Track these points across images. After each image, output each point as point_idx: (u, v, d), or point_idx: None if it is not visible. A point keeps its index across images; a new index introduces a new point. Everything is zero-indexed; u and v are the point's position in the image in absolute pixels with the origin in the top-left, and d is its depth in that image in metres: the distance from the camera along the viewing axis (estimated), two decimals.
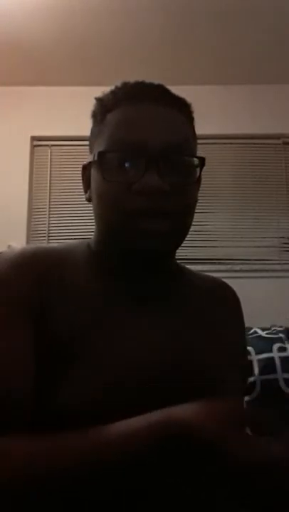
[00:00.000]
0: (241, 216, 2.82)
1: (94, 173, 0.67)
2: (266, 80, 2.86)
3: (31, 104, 2.90)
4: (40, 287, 0.61)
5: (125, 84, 0.67)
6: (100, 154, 0.63)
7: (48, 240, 2.82)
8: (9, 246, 2.24)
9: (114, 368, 0.58)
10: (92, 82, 2.85)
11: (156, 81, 0.68)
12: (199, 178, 0.66)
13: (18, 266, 0.63)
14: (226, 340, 0.70)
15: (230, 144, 2.85)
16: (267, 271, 2.72)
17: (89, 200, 0.71)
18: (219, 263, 2.72)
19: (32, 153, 2.92)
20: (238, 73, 2.81)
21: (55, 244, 0.73)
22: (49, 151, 2.93)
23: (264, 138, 2.90)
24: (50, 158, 2.92)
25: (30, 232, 2.83)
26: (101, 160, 0.63)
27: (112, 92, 0.68)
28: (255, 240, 2.79)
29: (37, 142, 2.94)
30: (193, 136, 0.69)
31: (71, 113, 2.79)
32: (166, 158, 0.61)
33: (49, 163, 2.92)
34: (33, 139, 2.93)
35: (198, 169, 0.65)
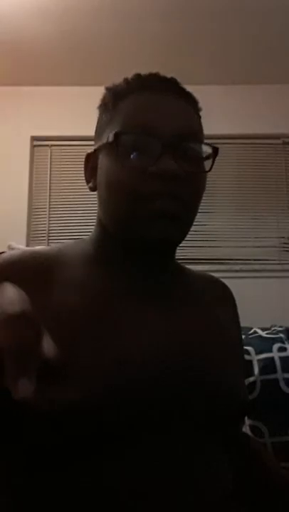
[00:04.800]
0: (241, 216, 2.82)
1: (104, 157, 0.66)
2: (266, 80, 2.86)
3: (31, 104, 2.90)
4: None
5: (138, 75, 0.68)
6: (116, 135, 0.62)
7: (48, 239, 2.82)
8: (9, 246, 2.24)
9: (103, 376, 0.55)
10: (92, 82, 2.85)
11: None
12: (211, 168, 0.66)
13: None
14: (227, 338, 0.69)
15: (230, 144, 2.85)
16: (267, 271, 2.72)
17: (94, 189, 0.70)
18: (219, 263, 2.72)
19: (32, 153, 2.92)
20: (238, 73, 2.81)
21: (47, 247, 0.71)
22: (49, 151, 2.93)
23: (264, 138, 2.91)
24: (50, 158, 2.92)
25: (30, 232, 2.83)
26: (117, 141, 0.62)
27: (125, 81, 0.68)
28: (255, 240, 2.79)
29: (37, 142, 2.94)
30: (202, 132, 0.69)
31: (71, 113, 2.79)
32: (181, 144, 0.62)
33: (49, 163, 2.92)
34: (33, 139, 2.93)
35: (207, 159, 0.66)
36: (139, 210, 0.61)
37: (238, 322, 0.79)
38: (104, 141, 0.66)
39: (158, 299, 0.65)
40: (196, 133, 0.66)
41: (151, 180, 0.61)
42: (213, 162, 0.66)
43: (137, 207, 0.61)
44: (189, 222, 0.67)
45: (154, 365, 0.57)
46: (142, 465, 0.53)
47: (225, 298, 0.78)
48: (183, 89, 0.68)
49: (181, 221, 0.64)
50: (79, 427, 0.52)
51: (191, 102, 0.68)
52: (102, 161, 0.67)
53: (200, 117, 0.70)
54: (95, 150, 0.70)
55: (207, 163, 0.67)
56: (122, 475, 0.53)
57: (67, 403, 0.51)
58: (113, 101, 0.67)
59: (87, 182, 0.71)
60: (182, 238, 0.67)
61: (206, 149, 0.66)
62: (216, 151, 0.65)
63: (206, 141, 0.67)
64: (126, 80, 0.68)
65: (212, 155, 0.66)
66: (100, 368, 0.55)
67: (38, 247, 0.69)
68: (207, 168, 0.66)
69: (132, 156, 0.62)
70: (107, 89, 0.69)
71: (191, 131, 0.65)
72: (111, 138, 0.63)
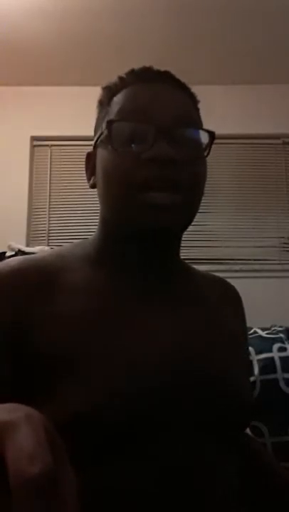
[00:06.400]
0: (241, 216, 2.82)
1: (100, 150, 0.65)
2: (266, 80, 2.86)
3: (31, 104, 2.91)
4: (20, 306, 0.59)
5: (132, 70, 0.67)
6: (109, 123, 0.61)
7: (48, 239, 2.82)
8: (9, 246, 2.24)
9: (112, 376, 0.55)
10: (92, 82, 2.85)
11: None
12: (208, 153, 0.64)
13: None
14: (230, 338, 0.68)
15: (230, 143, 2.85)
16: (267, 271, 2.72)
17: (93, 186, 0.69)
18: (219, 263, 2.72)
19: (32, 153, 2.92)
20: (238, 73, 2.81)
21: (45, 253, 0.70)
22: (49, 151, 2.93)
23: (264, 138, 2.91)
24: (50, 158, 2.92)
25: (30, 232, 2.83)
26: (110, 129, 0.61)
27: (119, 78, 0.67)
28: (255, 240, 2.79)
29: (37, 142, 2.94)
30: (200, 122, 0.67)
31: (71, 113, 2.79)
32: (177, 129, 0.60)
33: (49, 163, 2.92)
34: (33, 139, 2.93)
35: (206, 146, 0.64)
36: (131, 200, 0.60)
37: (243, 322, 0.78)
38: (100, 132, 0.66)
39: (159, 299, 0.65)
40: (192, 119, 0.64)
41: (146, 167, 0.59)
42: (210, 147, 0.64)
43: (129, 196, 0.60)
44: (189, 211, 0.64)
45: (154, 366, 0.57)
46: (142, 465, 0.53)
47: (228, 297, 0.77)
48: (178, 81, 0.67)
49: (177, 210, 0.61)
50: (80, 429, 0.52)
51: (187, 93, 0.67)
52: (99, 154, 0.66)
53: (198, 109, 0.69)
54: (94, 147, 0.69)
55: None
56: (122, 475, 0.53)
57: (72, 406, 0.51)
58: (108, 97, 0.67)
59: (88, 180, 0.70)
60: (179, 228, 0.65)
61: (204, 137, 0.64)
62: (212, 135, 0.63)
63: None
64: (120, 77, 0.67)
65: (209, 140, 0.63)
66: (101, 371, 0.55)
67: (35, 255, 0.68)
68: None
69: (126, 143, 0.61)
70: (103, 88, 0.69)
71: (187, 117, 0.63)
72: (104, 127, 0.62)
